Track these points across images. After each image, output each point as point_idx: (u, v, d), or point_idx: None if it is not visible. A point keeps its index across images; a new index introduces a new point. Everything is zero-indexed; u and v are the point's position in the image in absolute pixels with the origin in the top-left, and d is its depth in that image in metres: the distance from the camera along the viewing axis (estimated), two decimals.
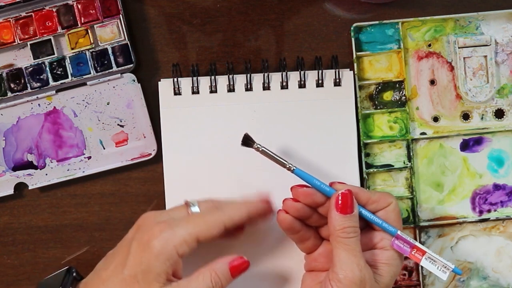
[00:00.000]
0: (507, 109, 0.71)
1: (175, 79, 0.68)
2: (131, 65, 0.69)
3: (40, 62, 0.69)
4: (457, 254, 0.71)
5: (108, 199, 0.71)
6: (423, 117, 0.71)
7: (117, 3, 0.69)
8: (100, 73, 0.69)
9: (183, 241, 0.58)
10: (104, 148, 0.70)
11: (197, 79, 0.69)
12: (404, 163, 0.70)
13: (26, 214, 0.71)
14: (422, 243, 0.70)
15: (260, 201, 0.65)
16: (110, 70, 0.69)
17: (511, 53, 0.71)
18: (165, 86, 0.69)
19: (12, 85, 0.69)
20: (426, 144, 0.71)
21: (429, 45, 0.71)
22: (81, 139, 0.70)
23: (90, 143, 0.70)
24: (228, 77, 0.69)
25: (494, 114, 0.71)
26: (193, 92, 0.69)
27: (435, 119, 0.71)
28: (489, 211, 0.71)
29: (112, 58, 0.69)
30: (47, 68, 0.69)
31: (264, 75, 0.69)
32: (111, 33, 0.69)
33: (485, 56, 0.70)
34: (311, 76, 0.69)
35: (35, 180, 0.70)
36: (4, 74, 0.69)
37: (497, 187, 0.71)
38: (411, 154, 0.70)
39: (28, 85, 0.69)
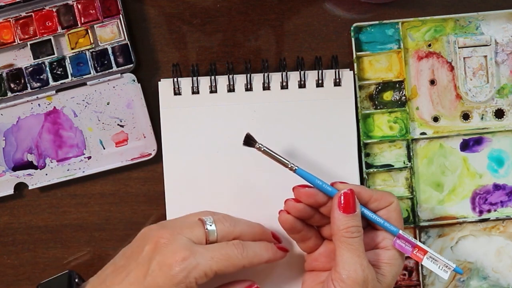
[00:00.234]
0: (507, 109, 0.71)
1: (175, 79, 0.68)
2: (131, 65, 0.69)
3: (40, 62, 0.69)
4: (457, 254, 0.71)
5: (108, 199, 0.71)
6: (423, 117, 0.71)
7: (117, 3, 0.69)
8: (100, 73, 0.69)
9: (204, 275, 0.58)
10: (104, 148, 0.70)
11: (197, 79, 0.69)
12: (404, 163, 0.70)
13: (26, 214, 0.71)
14: (422, 243, 0.70)
15: (279, 251, 0.64)
16: (110, 70, 0.69)
17: (511, 53, 0.71)
18: (165, 86, 0.69)
19: (12, 85, 0.69)
20: (426, 144, 0.71)
21: (429, 45, 0.71)
22: (81, 139, 0.70)
23: (90, 143, 0.70)
24: (228, 77, 0.69)
25: (494, 114, 0.71)
26: (193, 92, 0.69)
27: (435, 119, 0.71)
28: (489, 211, 0.71)
29: (112, 58, 0.69)
30: (47, 68, 0.69)
31: (264, 75, 0.69)
32: (111, 33, 0.69)
33: (485, 56, 0.70)
34: (311, 76, 0.69)
35: (35, 180, 0.70)
36: (4, 74, 0.69)
37: (497, 187, 0.71)
38: (411, 154, 0.70)
39: (28, 85, 0.69)
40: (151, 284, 0.58)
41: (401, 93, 0.70)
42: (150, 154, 0.70)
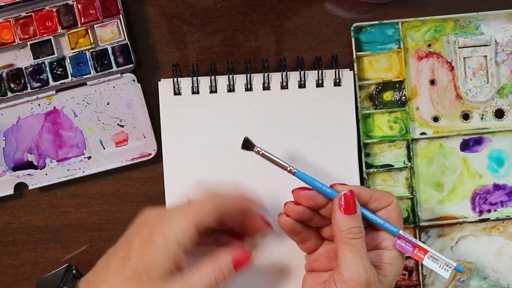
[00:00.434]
0: (507, 109, 0.71)
1: (175, 79, 0.68)
2: (131, 65, 0.69)
3: (40, 62, 0.69)
4: (457, 254, 0.71)
5: (108, 199, 0.71)
6: (423, 117, 0.71)
7: (117, 3, 0.69)
8: (100, 73, 0.69)
9: (185, 235, 0.58)
10: (104, 148, 0.70)
11: (197, 79, 0.69)
12: (404, 163, 0.70)
13: (26, 214, 0.71)
14: (423, 243, 0.70)
15: (249, 198, 0.63)
16: (110, 70, 0.69)
17: (511, 53, 0.71)
18: (165, 86, 0.69)
19: (12, 85, 0.69)
20: (426, 144, 0.71)
21: (429, 45, 0.71)
22: (81, 139, 0.70)
23: (90, 143, 0.70)
24: (228, 77, 0.69)
25: (494, 114, 0.71)
26: (193, 92, 0.69)
27: (435, 119, 0.71)
28: (489, 211, 0.71)
29: (112, 58, 0.69)
30: (47, 68, 0.69)
31: (264, 75, 0.69)
32: (111, 33, 0.69)
33: (485, 56, 0.70)
34: (311, 76, 0.69)
35: (35, 180, 0.70)
36: (4, 74, 0.69)
37: (497, 187, 0.71)
38: (411, 154, 0.70)
39: (28, 85, 0.69)
40: (135, 259, 0.57)
41: (401, 93, 0.70)
42: (150, 154, 0.70)
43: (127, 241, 0.60)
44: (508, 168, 0.71)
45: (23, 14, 0.69)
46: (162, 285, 0.57)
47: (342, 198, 0.60)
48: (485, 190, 0.71)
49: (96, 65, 0.69)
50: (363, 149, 0.70)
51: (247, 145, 0.63)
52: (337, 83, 0.69)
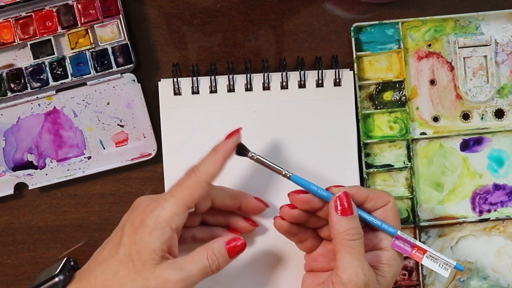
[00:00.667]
0: (507, 109, 0.71)
1: (175, 79, 0.68)
2: (131, 65, 0.69)
3: (40, 62, 0.69)
4: (457, 254, 0.71)
5: (108, 199, 0.71)
6: (423, 117, 0.71)
7: (117, 3, 0.69)
8: (100, 73, 0.69)
9: (173, 214, 0.58)
10: (104, 148, 0.70)
11: (197, 79, 0.69)
12: (404, 163, 0.70)
13: (26, 214, 0.71)
14: (422, 243, 0.70)
15: (229, 140, 0.63)
16: (110, 70, 0.69)
17: (511, 53, 0.71)
18: (165, 86, 0.69)
19: (12, 85, 0.69)
20: (426, 144, 0.71)
21: (429, 45, 0.71)
22: (81, 139, 0.70)
23: (90, 143, 0.70)
24: (228, 77, 0.69)
25: (494, 114, 0.71)
26: (193, 92, 0.69)
27: (435, 119, 0.71)
28: (489, 211, 0.71)
29: (112, 58, 0.69)
30: (47, 68, 0.69)
31: (264, 75, 0.69)
32: (111, 33, 0.69)
33: (485, 56, 0.70)
34: (311, 76, 0.69)
35: (35, 180, 0.70)
36: (4, 74, 0.69)
37: (497, 187, 0.71)
38: (411, 154, 0.70)
39: (28, 85, 0.69)
40: (126, 242, 0.58)
41: (401, 93, 0.70)
42: (150, 154, 0.70)
43: (120, 227, 0.61)
44: (508, 168, 0.71)
45: (23, 14, 0.69)
46: (154, 268, 0.57)
47: (337, 200, 0.60)
48: (485, 190, 0.71)
49: (96, 65, 0.69)
50: (363, 149, 0.70)
51: (241, 151, 0.63)
52: (337, 83, 0.69)
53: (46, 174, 0.70)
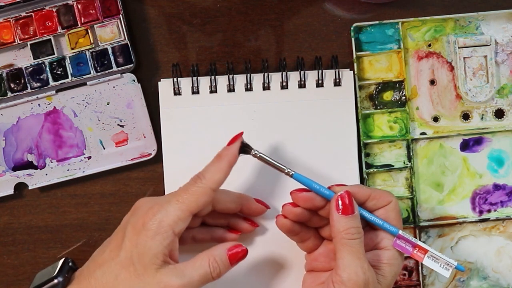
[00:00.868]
0: (507, 109, 0.71)
1: (175, 79, 0.68)
2: (131, 65, 0.69)
3: (40, 62, 0.69)
4: (457, 254, 0.71)
5: (108, 199, 0.71)
6: (423, 117, 0.71)
7: (117, 3, 0.69)
8: (100, 73, 0.69)
9: (177, 219, 0.58)
10: (104, 148, 0.70)
11: (197, 79, 0.69)
12: (404, 163, 0.70)
13: (26, 214, 0.71)
14: (423, 243, 0.70)
15: (231, 146, 0.63)
16: (110, 70, 0.69)
17: (511, 53, 0.71)
18: (165, 86, 0.69)
19: (12, 85, 0.69)
20: (426, 144, 0.71)
21: (429, 45, 0.71)
22: (81, 139, 0.70)
23: (90, 143, 0.70)
24: (228, 77, 0.69)
25: (494, 114, 0.71)
26: (193, 92, 0.69)
27: (435, 119, 0.71)
28: (489, 211, 0.71)
29: (112, 58, 0.69)
30: (47, 68, 0.69)
31: (264, 75, 0.69)
32: (111, 33, 0.69)
33: (485, 56, 0.70)
34: (311, 76, 0.69)
35: (35, 180, 0.70)
36: (4, 74, 0.69)
37: (497, 187, 0.71)
38: (411, 154, 0.70)
39: (28, 85, 0.69)
40: (128, 245, 0.58)
41: (401, 93, 0.70)
42: (150, 154, 0.70)
43: (121, 229, 0.60)
44: (508, 168, 0.71)
45: (23, 14, 0.69)
46: (155, 273, 0.57)
47: (339, 199, 0.60)
48: (485, 190, 0.71)
49: (96, 65, 0.69)
50: (363, 149, 0.70)
51: (244, 148, 0.63)
52: (337, 83, 0.69)
53: (46, 174, 0.70)
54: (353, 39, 0.70)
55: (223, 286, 0.67)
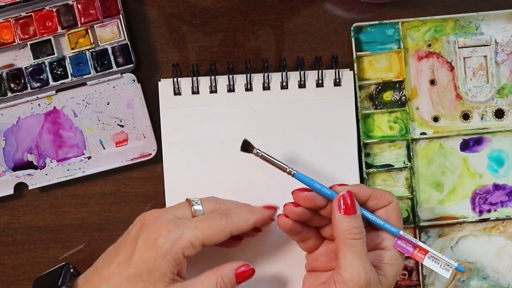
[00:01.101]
0: (507, 109, 0.71)
1: (175, 79, 0.68)
2: (131, 65, 0.69)
3: (40, 62, 0.69)
4: (457, 254, 0.71)
5: (108, 199, 0.71)
6: (423, 117, 0.71)
7: (117, 3, 0.69)
8: (100, 73, 0.69)
9: (190, 244, 0.59)
10: (104, 148, 0.70)
11: (197, 79, 0.69)
12: (404, 163, 0.70)
13: (26, 214, 0.71)
14: (423, 243, 0.70)
15: (266, 210, 0.65)
16: (110, 70, 0.69)
17: (511, 53, 0.71)
18: (165, 86, 0.69)
19: (12, 85, 0.69)
20: (426, 144, 0.71)
21: (429, 45, 0.71)
22: (81, 139, 0.70)
23: (90, 143, 0.70)
24: (228, 77, 0.69)
25: (494, 114, 0.71)
26: (193, 92, 0.69)
27: (435, 119, 0.71)
28: (489, 211, 0.71)
29: (112, 58, 0.69)
30: (47, 68, 0.69)
31: (264, 75, 0.69)
32: (111, 33, 0.69)
33: (485, 56, 0.70)
34: (311, 76, 0.69)
35: (35, 180, 0.70)
36: (4, 74, 0.69)
37: (497, 187, 0.71)
38: (411, 154, 0.70)
39: (28, 85, 0.69)
40: (137, 260, 0.58)
41: (401, 93, 0.70)
42: (150, 154, 0.70)
43: (130, 241, 0.60)
44: (508, 168, 0.71)
45: (23, 14, 0.69)
46: None
47: (341, 199, 0.60)
48: (485, 190, 0.71)
49: (96, 65, 0.69)
50: (363, 149, 0.70)
51: (247, 147, 0.63)
52: (337, 83, 0.69)
53: (46, 174, 0.70)
54: (353, 39, 0.70)
55: None
